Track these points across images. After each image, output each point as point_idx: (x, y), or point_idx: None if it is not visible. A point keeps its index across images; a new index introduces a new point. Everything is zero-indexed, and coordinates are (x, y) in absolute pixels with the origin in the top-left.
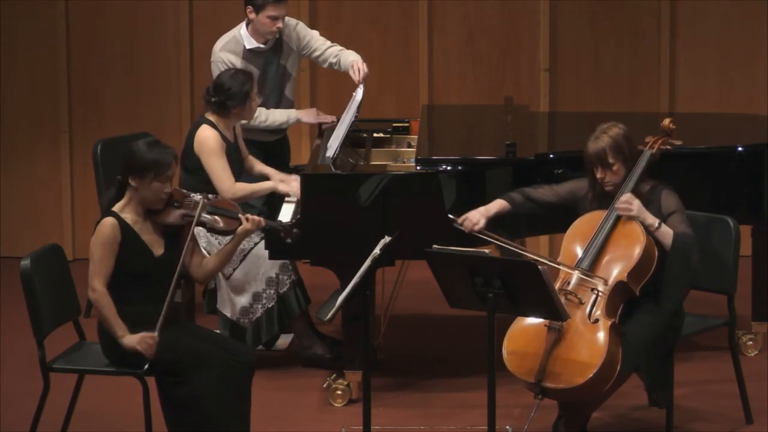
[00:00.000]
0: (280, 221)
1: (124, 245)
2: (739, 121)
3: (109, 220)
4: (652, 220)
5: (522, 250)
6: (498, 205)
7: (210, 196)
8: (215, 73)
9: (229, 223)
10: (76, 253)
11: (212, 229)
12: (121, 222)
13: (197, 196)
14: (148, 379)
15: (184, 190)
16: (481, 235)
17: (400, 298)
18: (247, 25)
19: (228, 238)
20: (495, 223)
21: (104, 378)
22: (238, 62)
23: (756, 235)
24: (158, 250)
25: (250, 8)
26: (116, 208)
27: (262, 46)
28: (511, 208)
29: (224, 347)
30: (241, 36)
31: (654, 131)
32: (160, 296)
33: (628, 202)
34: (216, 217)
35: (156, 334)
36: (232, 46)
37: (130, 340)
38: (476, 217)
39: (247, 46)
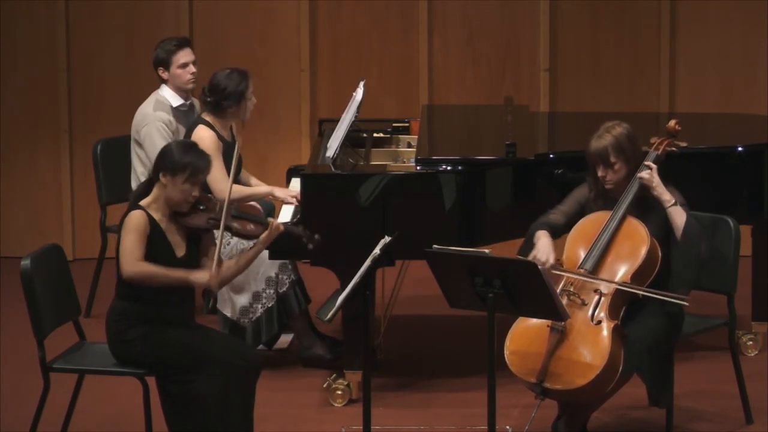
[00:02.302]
0: (302, 227)
1: (151, 240)
2: (739, 121)
3: (138, 212)
4: (668, 197)
5: (598, 279)
6: (547, 235)
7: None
8: (154, 137)
9: (254, 229)
10: (76, 253)
11: (237, 233)
12: (149, 217)
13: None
14: (148, 379)
15: (210, 195)
16: (555, 271)
17: (400, 298)
18: (165, 86)
19: (251, 243)
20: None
21: (104, 378)
22: (172, 120)
23: (756, 235)
24: (180, 251)
25: (161, 69)
26: (143, 203)
27: (185, 102)
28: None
29: (231, 348)
30: (164, 97)
31: (654, 131)
32: (175, 300)
33: (651, 173)
34: (241, 221)
35: (214, 267)
36: (160, 106)
37: (197, 277)
38: (545, 256)
39: (174, 104)
